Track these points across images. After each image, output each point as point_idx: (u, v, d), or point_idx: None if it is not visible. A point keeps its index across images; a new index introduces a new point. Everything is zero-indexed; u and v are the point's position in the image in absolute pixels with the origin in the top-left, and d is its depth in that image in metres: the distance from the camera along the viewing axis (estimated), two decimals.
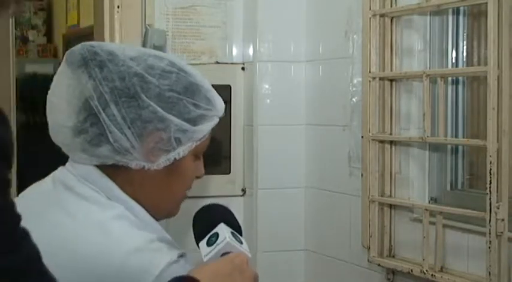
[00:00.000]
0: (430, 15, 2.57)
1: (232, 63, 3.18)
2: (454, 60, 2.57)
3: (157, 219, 1.57)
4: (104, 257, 1.36)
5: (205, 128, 1.52)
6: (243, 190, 3.20)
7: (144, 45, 2.90)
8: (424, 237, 2.46)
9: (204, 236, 1.46)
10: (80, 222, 1.42)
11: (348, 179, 2.88)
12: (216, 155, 3.18)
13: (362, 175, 2.71)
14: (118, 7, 2.81)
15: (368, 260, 2.70)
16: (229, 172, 3.19)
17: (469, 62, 2.55)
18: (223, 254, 1.41)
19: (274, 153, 3.11)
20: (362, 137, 2.71)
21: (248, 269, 1.38)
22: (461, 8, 2.53)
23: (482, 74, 2.33)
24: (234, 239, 1.44)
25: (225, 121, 3.15)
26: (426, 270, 2.45)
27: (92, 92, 1.45)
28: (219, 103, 1.57)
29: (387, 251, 2.69)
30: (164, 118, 1.46)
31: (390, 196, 2.68)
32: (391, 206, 2.68)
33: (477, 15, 2.52)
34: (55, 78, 1.51)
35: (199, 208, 1.57)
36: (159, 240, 1.44)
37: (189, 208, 3.14)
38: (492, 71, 2.20)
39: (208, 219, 1.50)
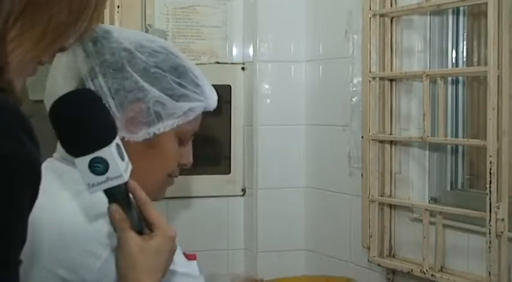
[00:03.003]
0: (430, 15, 2.57)
1: (232, 63, 3.18)
2: (454, 60, 2.57)
3: None
4: (56, 226, 1.37)
5: (186, 106, 1.53)
6: (243, 190, 3.20)
7: None
8: (424, 237, 2.46)
9: (81, 151, 1.17)
10: (50, 196, 1.42)
11: (348, 179, 2.88)
12: (216, 155, 3.18)
13: (362, 175, 2.71)
14: (118, 7, 2.80)
15: (368, 260, 2.70)
16: (229, 172, 3.19)
17: (469, 62, 2.55)
18: (108, 190, 1.19)
19: (274, 153, 3.11)
20: (362, 137, 2.71)
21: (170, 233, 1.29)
22: (461, 8, 2.53)
23: (482, 74, 2.33)
24: (123, 163, 1.18)
25: (225, 121, 3.15)
26: (426, 270, 2.45)
27: (84, 63, 1.50)
28: (210, 94, 1.58)
29: (387, 251, 2.69)
30: (144, 88, 1.50)
31: (390, 196, 2.68)
32: (391, 206, 2.68)
33: (477, 15, 2.52)
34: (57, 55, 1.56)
35: (66, 96, 1.19)
36: None
37: (190, 209, 3.15)
38: (492, 71, 2.20)
39: (90, 126, 1.18)
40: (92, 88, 1.48)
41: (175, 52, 1.57)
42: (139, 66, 1.51)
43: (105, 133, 1.19)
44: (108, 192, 1.20)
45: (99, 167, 1.16)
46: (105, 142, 1.17)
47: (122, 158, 1.19)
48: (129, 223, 1.23)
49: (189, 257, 1.51)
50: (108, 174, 1.17)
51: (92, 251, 1.34)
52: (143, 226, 1.25)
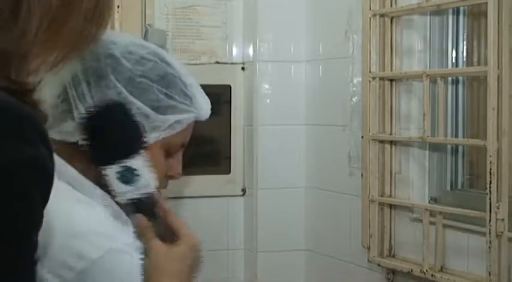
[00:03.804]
0: (430, 15, 2.57)
1: (232, 63, 3.18)
2: (454, 60, 2.57)
3: None
4: (47, 238, 1.35)
5: (172, 118, 1.48)
6: (243, 190, 3.20)
7: None
8: (424, 237, 2.46)
9: (110, 160, 1.19)
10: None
11: (348, 179, 2.88)
12: (216, 155, 3.18)
13: (362, 175, 2.71)
14: (118, 7, 2.80)
15: (368, 260, 2.70)
16: (229, 172, 3.19)
17: (469, 62, 2.55)
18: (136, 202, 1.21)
19: (274, 153, 3.11)
20: (362, 137, 2.71)
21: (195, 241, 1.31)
22: (461, 8, 2.53)
23: (482, 74, 2.33)
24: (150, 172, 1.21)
25: (225, 121, 3.15)
26: (426, 270, 2.45)
27: (68, 70, 1.46)
28: (202, 104, 1.53)
29: (387, 251, 2.69)
30: (127, 100, 1.44)
31: (390, 196, 2.68)
32: (391, 206, 2.68)
33: (477, 15, 2.52)
34: None
35: (101, 108, 1.25)
36: (113, 218, 1.39)
37: (190, 209, 3.15)
38: (492, 71, 2.20)
39: (121, 136, 1.20)
40: (75, 95, 1.43)
41: (166, 59, 1.50)
42: (125, 75, 1.45)
43: (134, 143, 1.20)
44: (135, 201, 1.21)
45: (127, 177, 1.18)
46: (135, 152, 1.18)
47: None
48: (155, 232, 1.24)
49: None
50: (136, 184, 1.18)
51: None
52: (167, 234, 1.26)
